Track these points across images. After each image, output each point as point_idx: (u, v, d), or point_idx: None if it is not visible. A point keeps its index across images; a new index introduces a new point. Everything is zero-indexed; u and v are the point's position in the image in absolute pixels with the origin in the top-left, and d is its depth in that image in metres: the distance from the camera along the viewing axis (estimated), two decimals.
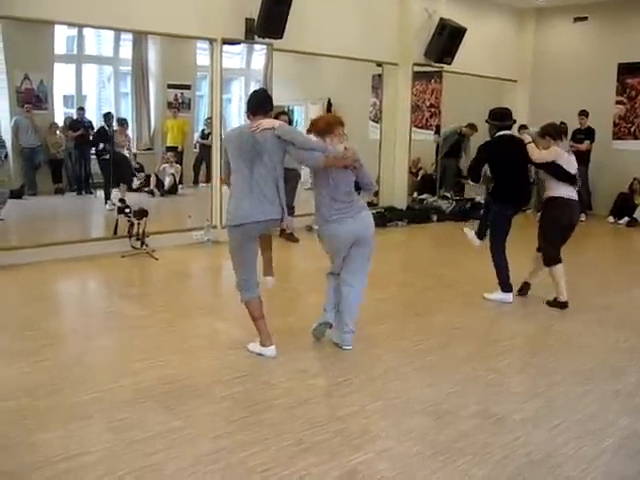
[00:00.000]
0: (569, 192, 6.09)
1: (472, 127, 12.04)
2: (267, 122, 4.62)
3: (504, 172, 6.25)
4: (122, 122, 11.34)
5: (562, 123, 9.96)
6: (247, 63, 13.39)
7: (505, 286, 6.34)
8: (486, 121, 6.45)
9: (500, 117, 6.38)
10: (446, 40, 11.24)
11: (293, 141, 4.64)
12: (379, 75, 11.89)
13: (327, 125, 4.86)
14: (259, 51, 11.02)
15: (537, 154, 6.11)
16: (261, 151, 4.58)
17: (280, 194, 4.69)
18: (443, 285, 7.09)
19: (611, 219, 12.23)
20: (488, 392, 4.31)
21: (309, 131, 4.93)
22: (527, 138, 6.26)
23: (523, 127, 10.72)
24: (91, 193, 11.28)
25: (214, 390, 4.20)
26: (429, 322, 5.73)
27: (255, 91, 5.12)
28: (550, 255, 6.19)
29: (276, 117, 9.49)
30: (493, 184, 6.41)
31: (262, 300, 4.81)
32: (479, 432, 3.73)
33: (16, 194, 10.36)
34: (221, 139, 9.29)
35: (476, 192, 12.30)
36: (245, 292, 4.75)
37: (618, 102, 12.59)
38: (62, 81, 12.24)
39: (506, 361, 4.89)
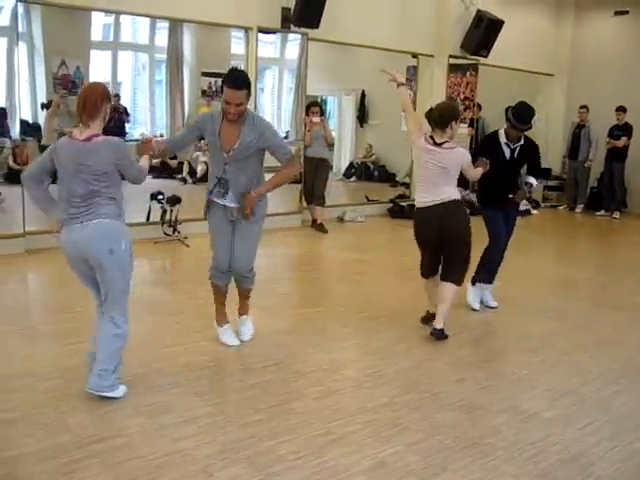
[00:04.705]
0: None
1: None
2: None
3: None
4: None
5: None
6: (281, 52, 13.39)
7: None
8: (509, 119, 5.54)
9: (523, 120, 5.50)
10: (483, 32, 11.12)
11: None
12: (414, 67, 11.82)
13: None
14: (293, 40, 11.00)
15: (473, 171, 5.21)
16: None
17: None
18: None
19: None
20: (519, 388, 4.27)
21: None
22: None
23: None
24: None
25: (244, 377, 4.22)
26: (461, 316, 5.68)
27: (237, 69, 4.56)
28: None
29: (308, 107, 9.57)
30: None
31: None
32: (509, 428, 3.70)
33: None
34: None
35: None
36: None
37: None
38: (98, 68, 12.35)
39: (537, 358, 4.84)
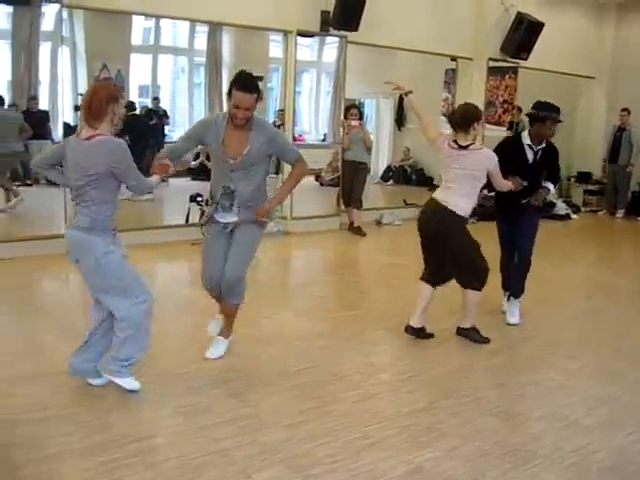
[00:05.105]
0: None
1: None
2: None
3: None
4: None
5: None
6: (318, 55, 13.40)
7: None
8: (529, 114, 5.45)
9: (542, 106, 5.41)
10: (523, 35, 11.01)
11: None
12: (452, 70, 11.75)
13: None
14: (330, 44, 11.01)
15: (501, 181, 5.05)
16: None
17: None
18: None
19: None
20: (558, 395, 4.22)
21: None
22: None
23: None
24: (164, 181, 11.46)
25: (282, 380, 4.23)
26: (498, 321, 5.63)
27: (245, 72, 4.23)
28: None
29: (347, 110, 9.58)
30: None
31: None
32: (549, 435, 3.66)
33: None
34: (294, 131, 9.39)
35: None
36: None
37: None
38: (138, 71, 12.51)
39: (575, 364, 4.78)
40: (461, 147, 4.82)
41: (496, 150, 5.38)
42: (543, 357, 4.89)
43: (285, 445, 3.40)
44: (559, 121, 5.36)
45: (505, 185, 5.05)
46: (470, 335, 5.09)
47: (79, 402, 3.78)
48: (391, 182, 14.95)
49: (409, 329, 5.07)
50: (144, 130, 10.70)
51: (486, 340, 5.08)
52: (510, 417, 3.87)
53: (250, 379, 4.23)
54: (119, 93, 3.77)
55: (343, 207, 9.75)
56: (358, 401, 3.96)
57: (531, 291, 5.88)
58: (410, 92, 5.22)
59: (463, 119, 4.85)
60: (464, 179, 4.82)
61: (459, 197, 4.83)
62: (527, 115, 5.53)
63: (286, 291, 6.79)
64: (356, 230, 9.39)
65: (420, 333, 5.07)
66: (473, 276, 4.95)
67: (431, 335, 5.10)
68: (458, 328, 5.15)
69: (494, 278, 5.41)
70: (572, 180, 13.52)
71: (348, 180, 9.51)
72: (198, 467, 3.17)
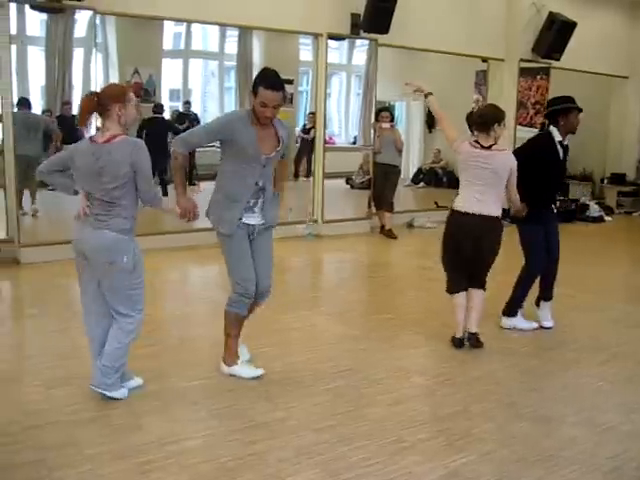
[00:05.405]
0: None
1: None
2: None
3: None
4: None
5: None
6: (348, 58, 13.41)
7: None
8: (552, 110, 5.34)
9: (561, 99, 5.33)
10: (555, 35, 10.90)
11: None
12: (483, 71, 11.67)
13: None
14: (360, 47, 11.01)
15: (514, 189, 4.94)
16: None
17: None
18: None
19: None
20: (595, 400, 4.16)
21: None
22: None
23: None
24: (194, 184, 11.53)
25: (315, 383, 4.23)
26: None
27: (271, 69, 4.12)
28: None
29: (377, 113, 9.57)
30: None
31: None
32: (586, 441, 3.60)
33: None
34: (324, 134, 9.39)
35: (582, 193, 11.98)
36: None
37: None
38: (169, 75, 12.63)
39: (612, 369, 4.71)
40: (484, 147, 4.76)
41: (526, 149, 5.31)
42: (579, 361, 4.82)
43: (319, 448, 3.40)
44: (580, 109, 5.25)
45: (516, 198, 4.94)
46: (479, 340, 4.97)
47: (112, 405, 3.81)
48: (422, 184, 14.90)
49: (456, 340, 4.95)
50: (176, 134, 10.75)
51: (481, 345, 4.96)
52: (545, 422, 3.82)
53: (283, 382, 4.23)
54: (127, 94, 3.70)
55: (374, 210, 9.73)
56: (392, 404, 3.95)
57: (566, 295, 5.83)
58: (430, 94, 5.09)
59: (481, 119, 4.82)
60: (489, 178, 4.74)
61: (491, 199, 4.76)
62: (548, 115, 5.38)
63: (318, 294, 6.79)
64: (387, 233, 9.37)
65: (469, 340, 4.97)
66: (486, 275, 4.94)
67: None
68: (470, 334, 4.97)
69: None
70: (605, 181, 13.35)
71: (379, 183, 9.49)
72: (232, 470, 3.18)
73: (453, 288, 4.98)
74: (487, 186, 4.75)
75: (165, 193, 9.99)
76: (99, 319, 3.86)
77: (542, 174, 5.12)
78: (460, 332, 4.95)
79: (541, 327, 5.48)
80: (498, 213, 4.80)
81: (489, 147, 4.75)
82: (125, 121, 3.70)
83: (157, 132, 10.27)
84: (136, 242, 3.81)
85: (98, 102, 3.65)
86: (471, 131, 4.85)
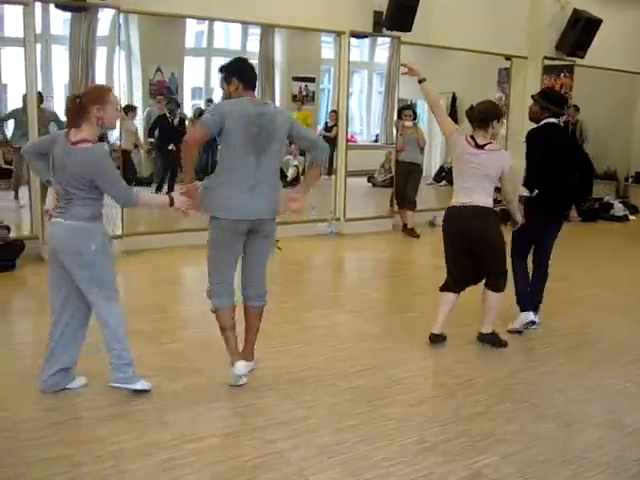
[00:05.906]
0: None
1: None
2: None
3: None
4: None
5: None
6: (370, 56, 13.39)
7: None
8: (536, 100, 5.34)
9: (559, 102, 5.38)
10: (580, 32, 10.78)
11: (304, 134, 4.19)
12: (506, 69, 11.58)
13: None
14: (382, 45, 10.98)
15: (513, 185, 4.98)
16: (270, 139, 3.91)
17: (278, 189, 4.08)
18: (572, 288, 6.80)
19: None
20: (621, 401, 4.11)
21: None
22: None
23: None
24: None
25: (337, 382, 4.22)
26: (557, 325, 5.52)
27: (244, 59, 4.23)
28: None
29: (400, 111, 9.54)
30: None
31: (236, 306, 4.15)
32: (612, 443, 3.56)
33: (145, 182, 10.88)
34: (347, 132, 9.37)
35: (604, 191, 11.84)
36: (215, 298, 4.07)
37: None
38: (191, 74, 12.68)
39: (638, 370, 4.65)
40: (478, 146, 4.69)
41: (540, 134, 5.26)
42: (603, 362, 4.77)
43: (341, 448, 3.39)
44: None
45: (515, 197, 4.91)
46: (493, 339, 4.94)
47: (135, 402, 3.83)
48: (444, 182, 14.80)
49: (431, 336, 4.94)
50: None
51: (504, 344, 4.93)
52: (569, 423, 3.78)
53: (305, 381, 4.22)
54: (106, 96, 3.69)
55: (396, 208, 9.70)
56: (414, 404, 3.93)
57: (590, 295, 5.77)
58: (424, 79, 4.93)
59: (482, 115, 4.75)
60: (478, 177, 4.68)
61: (480, 194, 4.69)
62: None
63: (340, 293, 6.77)
64: (409, 232, 9.32)
65: (441, 338, 4.95)
66: (500, 276, 4.84)
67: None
68: (480, 334, 4.96)
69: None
70: (630, 180, 13.20)
71: (402, 181, 9.45)
72: (254, 468, 3.18)
73: (443, 287, 4.95)
74: (476, 182, 4.70)
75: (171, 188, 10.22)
76: (69, 330, 3.91)
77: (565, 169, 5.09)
78: (436, 329, 4.90)
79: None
80: (488, 204, 4.73)
81: (483, 146, 4.69)
82: (103, 123, 3.69)
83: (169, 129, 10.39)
84: (103, 228, 3.81)
85: (80, 104, 3.63)
86: (473, 127, 4.81)
